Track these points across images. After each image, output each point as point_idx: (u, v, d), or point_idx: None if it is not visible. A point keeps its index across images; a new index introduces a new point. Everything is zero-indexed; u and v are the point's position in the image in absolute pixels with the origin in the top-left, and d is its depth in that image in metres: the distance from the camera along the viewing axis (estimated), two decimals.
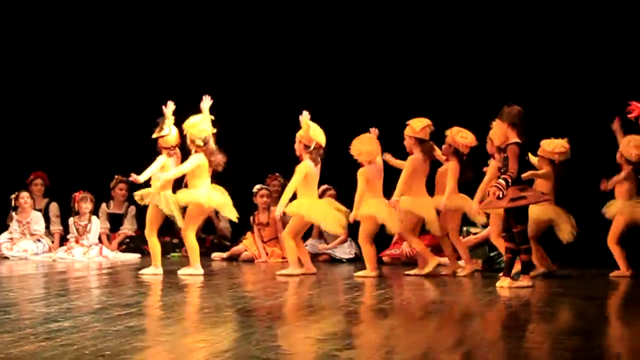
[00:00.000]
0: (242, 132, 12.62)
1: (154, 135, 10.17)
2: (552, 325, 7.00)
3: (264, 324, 6.65)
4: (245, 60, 13.63)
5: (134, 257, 12.36)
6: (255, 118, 13.01)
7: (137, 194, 10.19)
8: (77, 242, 12.25)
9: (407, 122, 10.21)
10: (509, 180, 8.83)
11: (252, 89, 13.39)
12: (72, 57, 13.93)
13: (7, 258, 12.12)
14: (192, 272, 9.99)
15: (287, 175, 10.48)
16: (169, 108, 10.17)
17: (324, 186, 11.65)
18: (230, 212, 10.23)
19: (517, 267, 9.22)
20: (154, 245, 10.18)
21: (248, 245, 12.27)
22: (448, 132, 10.30)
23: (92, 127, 13.25)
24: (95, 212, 12.61)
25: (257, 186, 12.32)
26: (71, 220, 12.40)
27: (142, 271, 10.06)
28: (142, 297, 8.31)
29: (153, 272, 9.99)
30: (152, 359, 5.22)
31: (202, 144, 10.02)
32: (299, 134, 10.28)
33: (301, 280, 9.74)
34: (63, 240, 12.70)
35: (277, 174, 12.62)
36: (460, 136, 10.21)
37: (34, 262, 11.65)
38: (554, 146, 10.19)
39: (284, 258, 12.09)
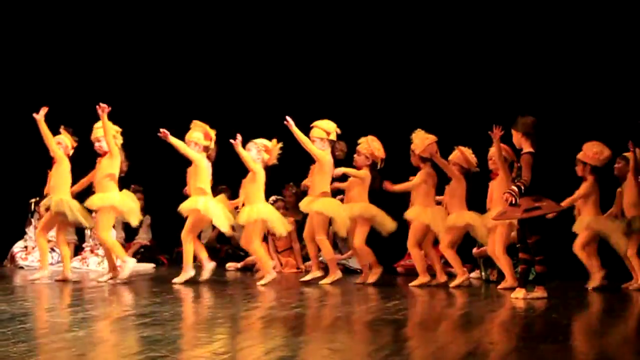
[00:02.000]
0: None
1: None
2: (567, 336, 6.98)
3: (278, 335, 6.64)
4: (253, 70, 13.79)
5: (148, 267, 12.37)
6: (269, 128, 13.03)
7: (43, 204, 10.36)
8: (92, 251, 12.27)
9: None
10: (522, 188, 8.82)
11: (270, 101, 13.44)
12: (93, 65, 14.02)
13: (21, 268, 12.14)
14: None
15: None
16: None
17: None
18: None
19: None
20: (42, 246, 10.43)
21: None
22: (363, 140, 10.35)
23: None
24: None
25: (273, 197, 12.32)
26: (87, 230, 12.41)
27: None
28: (157, 307, 8.32)
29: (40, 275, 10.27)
30: None
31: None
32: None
33: (315, 291, 9.74)
34: (78, 250, 12.71)
35: (291, 183, 12.62)
36: (375, 146, 10.32)
37: (49, 272, 11.64)
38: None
39: (298, 268, 12.12)
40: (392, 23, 13.31)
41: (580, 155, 10.17)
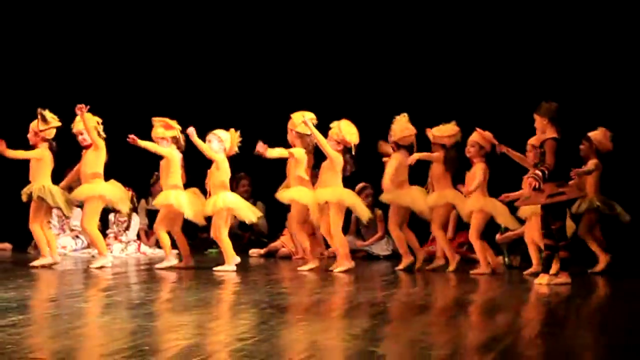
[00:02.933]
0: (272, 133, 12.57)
1: (42, 127, 10.29)
2: (592, 322, 6.96)
3: (300, 320, 6.65)
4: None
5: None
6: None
7: (24, 192, 10.30)
8: (115, 238, 12.31)
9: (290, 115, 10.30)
10: (546, 173, 8.79)
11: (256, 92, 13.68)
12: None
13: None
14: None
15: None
16: None
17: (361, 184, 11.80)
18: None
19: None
20: (39, 235, 10.36)
21: (285, 241, 12.26)
22: (334, 125, 10.30)
23: (129, 124, 13.33)
24: (134, 208, 12.65)
25: None
26: (111, 216, 12.45)
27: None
28: (180, 292, 8.35)
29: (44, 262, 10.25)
30: (190, 354, 5.24)
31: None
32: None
33: (339, 277, 9.74)
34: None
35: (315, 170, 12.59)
36: (347, 131, 10.26)
37: (72, 259, 11.70)
38: (444, 131, 10.32)
39: (321, 255, 12.11)
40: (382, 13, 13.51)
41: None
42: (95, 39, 14.18)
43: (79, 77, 13.85)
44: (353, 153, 10.25)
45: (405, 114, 10.41)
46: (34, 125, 10.30)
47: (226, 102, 13.60)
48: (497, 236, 11.03)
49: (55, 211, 12.48)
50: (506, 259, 10.99)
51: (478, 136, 10.11)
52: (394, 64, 13.44)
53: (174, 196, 10.24)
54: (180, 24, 14.12)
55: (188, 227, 10.76)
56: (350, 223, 11.77)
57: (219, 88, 13.99)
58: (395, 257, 11.57)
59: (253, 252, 12.46)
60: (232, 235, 11.10)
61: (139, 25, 14.12)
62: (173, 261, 10.31)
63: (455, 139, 10.31)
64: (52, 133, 10.35)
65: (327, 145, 10.15)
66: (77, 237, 12.59)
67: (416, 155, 10.29)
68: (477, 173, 10.04)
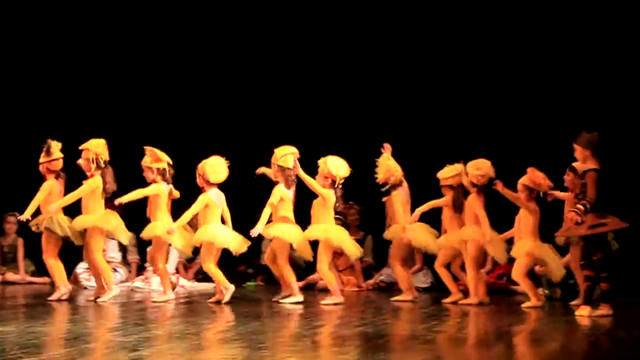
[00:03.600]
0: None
1: (42, 160, 10.42)
2: (636, 354, 6.88)
3: (339, 353, 6.62)
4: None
5: (210, 287, 12.36)
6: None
7: (33, 223, 10.40)
8: (154, 271, 12.31)
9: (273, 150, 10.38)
10: (588, 207, 8.72)
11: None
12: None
13: (85, 288, 12.20)
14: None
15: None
16: None
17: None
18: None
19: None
20: (53, 267, 10.44)
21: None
22: (322, 161, 10.39)
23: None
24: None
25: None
26: (149, 249, 12.45)
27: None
28: (213, 325, 8.33)
29: (60, 294, 10.35)
30: None
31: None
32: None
33: (378, 309, 9.70)
34: (140, 270, 12.75)
35: (351, 202, 12.56)
36: (332, 165, 10.33)
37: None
38: (447, 172, 10.41)
39: (359, 287, 12.07)
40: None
41: None
42: (98, 69, 14.24)
43: (81, 103, 13.98)
44: (337, 186, 10.32)
45: (385, 153, 10.53)
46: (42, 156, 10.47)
47: (213, 132, 13.58)
48: (536, 268, 10.94)
49: None
50: (546, 291, 10.91)
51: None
52: (380, 97, 13.58)
53: (161, 228, 10.36)
54: (177, 56, 14.20)
55: (227, 259, 10.77)
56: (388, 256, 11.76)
57: (208, 120, 13.99)
58: (434, 289, 11.55)
59: (368, 283, 12.38)
60: (265, 266, 11.13)
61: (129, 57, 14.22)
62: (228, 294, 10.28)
63: (460, 178, 10.32)
64: (58, 165, 10.46)
65: (316, 185, 10.27)
66: (115, 270, 12.60)
67: (425, 207, 10.44)
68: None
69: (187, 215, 10.23)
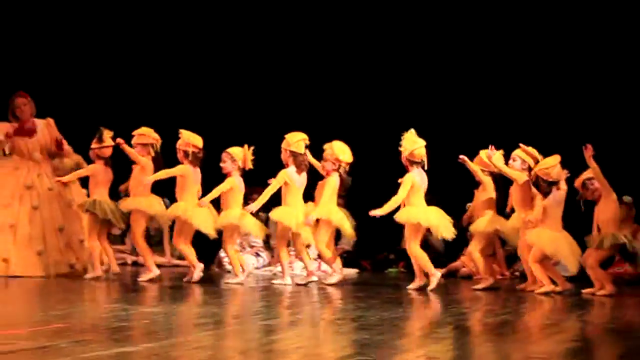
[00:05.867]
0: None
1: (94, 146, 10.82)
2: None
3: (477, 341, 6.59)
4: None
5: (352, 272, 12.43)
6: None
7: (79, 205, 10.88)
8: (296, 256, 12.41)
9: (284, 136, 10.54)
10: None
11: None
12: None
13: (229, 272, 12.38)
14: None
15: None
16: None
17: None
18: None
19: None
20: (95, 249, 10.78)
21: (466, 261, 12.11)
22: (327, 146, 10.50)
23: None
24: None
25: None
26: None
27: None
28: (362, 311, 8.35)
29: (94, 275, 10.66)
30: None
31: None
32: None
33: (520, 298, 9.62)
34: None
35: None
36: (339, 150, 10.46)
37: (254, 276, 11.86)
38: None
39: (502, 275, 11.96)
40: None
41: None
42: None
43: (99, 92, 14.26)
44: (344, 172, 10.50)
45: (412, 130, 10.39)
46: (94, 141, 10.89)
47: (225, 118, 13.72)
48: None
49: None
50: None
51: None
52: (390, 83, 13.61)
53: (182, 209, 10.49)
54: (181, 48, 14.40)
55: (367, 246, 10.83)
56: None
57: (217, 107, 14.12)
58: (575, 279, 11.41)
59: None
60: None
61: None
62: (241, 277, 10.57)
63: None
64: (107, 152, 10.85)
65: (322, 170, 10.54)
66: (257, 254, 12.76)
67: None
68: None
69: (214, 194, 10.45)
